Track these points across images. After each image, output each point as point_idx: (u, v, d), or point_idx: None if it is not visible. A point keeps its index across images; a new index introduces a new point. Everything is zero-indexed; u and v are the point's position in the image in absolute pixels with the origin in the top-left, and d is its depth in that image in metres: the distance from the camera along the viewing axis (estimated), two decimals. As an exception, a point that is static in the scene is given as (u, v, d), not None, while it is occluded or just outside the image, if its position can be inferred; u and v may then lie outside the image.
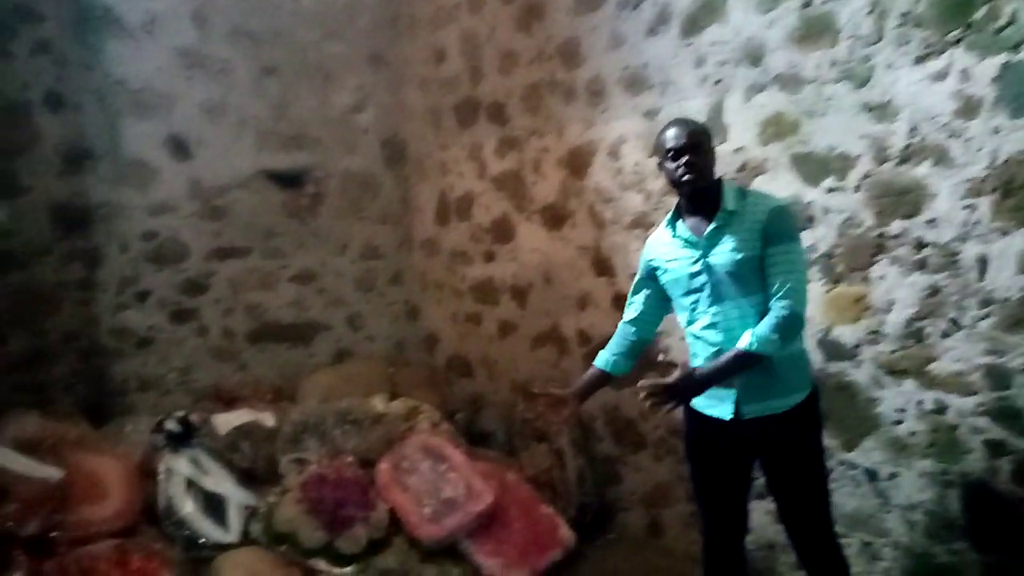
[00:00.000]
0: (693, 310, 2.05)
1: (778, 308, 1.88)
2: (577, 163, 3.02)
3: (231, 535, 2.60)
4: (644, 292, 2.20)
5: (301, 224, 3.71)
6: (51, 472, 2.43)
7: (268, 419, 3.09)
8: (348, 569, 2.53)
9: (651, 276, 2.16)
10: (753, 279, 1.95)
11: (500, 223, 3.44)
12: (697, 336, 2.05)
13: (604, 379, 2.23)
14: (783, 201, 2.05)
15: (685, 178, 1.95)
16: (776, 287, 1.90)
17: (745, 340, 1.87)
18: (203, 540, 2.55)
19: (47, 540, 2.26)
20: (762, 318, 1.90)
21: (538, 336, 3.27)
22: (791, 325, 1.88)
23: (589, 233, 3.02)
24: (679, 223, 2.06)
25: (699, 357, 2.06)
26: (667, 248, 2.08)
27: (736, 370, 1.91)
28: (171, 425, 2.81)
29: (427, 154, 3.89)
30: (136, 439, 2.83)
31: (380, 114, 3.91)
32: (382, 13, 3.88)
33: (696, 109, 2.49)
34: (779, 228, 1.93)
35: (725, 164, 2.35)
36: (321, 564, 2.53)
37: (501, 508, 2.79)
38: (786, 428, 1.96)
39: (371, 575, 2.54)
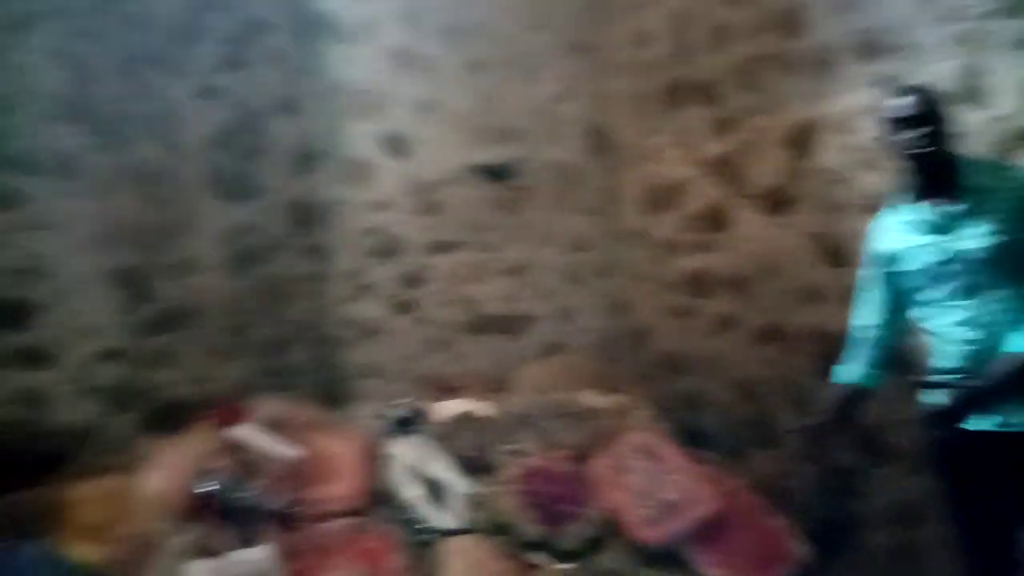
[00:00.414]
0: (939, 305, 1.82)
1: None
2: (801, 141, 2.81)
3: (453, 521, 2.66)
4: (880, 288, 1.98)
5: (510, 217, 3.76)
6: (292, 451, 2.61)
7: (485, 409, 3.15)
8: (568, 566, 2.51)
9: (885, 268, 1.94)
10: (1017, 266, 1.70)
11: (713, 210, 3.29)
12: (945, 335, 1.82)
13: (857, 396, 2.04)
14: None
15: (921, 150, 1.74)
16: None
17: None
18: (426, 524, 2.63)
19: (290, 515, 2.43)
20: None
21: (761, 332, 3.09)
22: None
23: (817, 218, 2.80)
24: (914, 205, 1.83)
25: (948, 359, 1.82)
26: (901, 235, 1.87)
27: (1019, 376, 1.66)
28: (395, 412, 2.94)
29: (633, 141, 3.81)
30: (364, 424, 2.98)
31: (584, 103, 3.88)
32: (583, 0, 3.84)
33: (946, 73, 2.21)
34: None
35: (982, 135, 2.07)
36: (540, 558, 2.52)
37: (726, 516, 2.64)
38: None
39: (591, 574, 2.49)
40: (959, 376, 1.80)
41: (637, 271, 3.88)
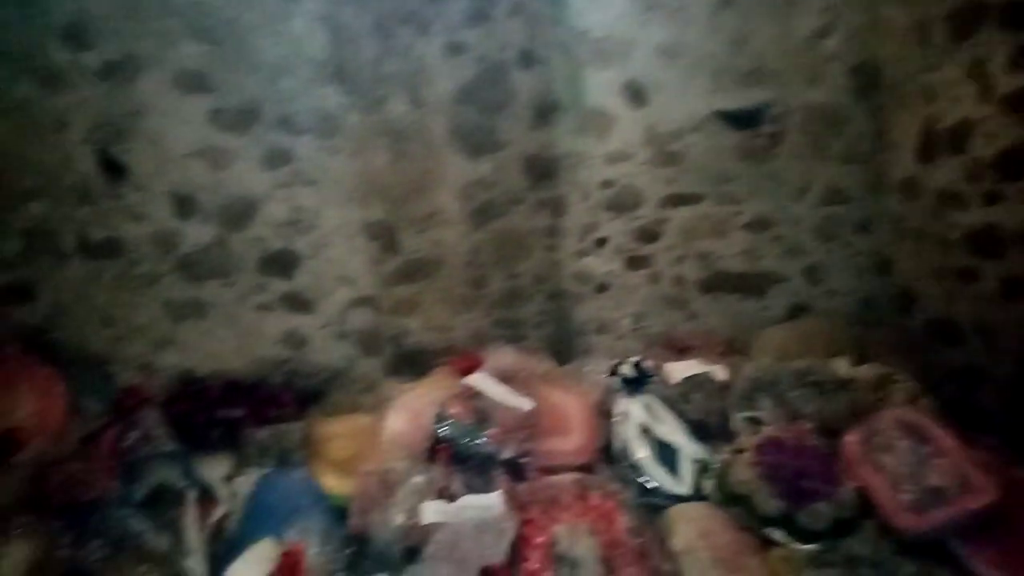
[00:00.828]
0: None
1: None
2: None
3: (683, 487, 2.58)
4: None
5: (756, 167, 3.50)
6: (525, 402, 2.67)
7: (719, 372, 3.01)
8: (810, 547, 2.33)
9: None
10: None
11: (1010, 156, 2.81)
12: None
13: None
14: None
15: None
16: None
17: None
18: (656, 488, 2.58)
19: (520, 465, 2.49)
20: None
21: (1064, 299, 2.63)
22: None
23: None
24: None
25: None
26: None
27: None
28: (626, 369, 2.90)
29: (908, 78, 3.35)
30: (594, 380, 2.98)
31: (850, 37, 3.47)
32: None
33: None
34: None
35: None
36: (778, 535, 2.37)
37: (1007, 510, 2.30)
38: None
39: (837, 558, 2.29)
40: None
41: (905, 226, 3.45)
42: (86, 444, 2.67)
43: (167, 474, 2.49)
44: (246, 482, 2.61)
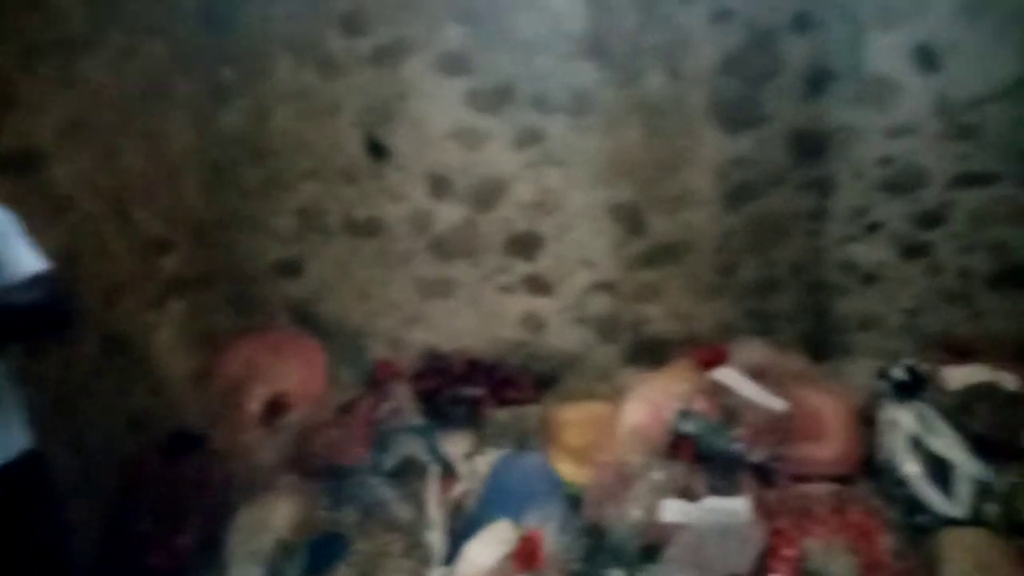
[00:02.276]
0: None
1: None
2: None
3: (958, 509, 2.41)
4: None
5: (1071, 142, 3.11)
6: (777, 402, 2.62)
7: (1009, 381, 2.76)
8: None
9: None
10: None
11: None
12: None
13: None
14: None
15: None
16: None
17: None
18: (926, 507, 2.43)
19: (770, 470, 2.46)
20: None
21: None
22: None
23: None
24: None
25: None
26: None
27: None
28: (898, 373, 2.75)
29: None
30: (856, 382, 2.85)
31: None
32: None
33: None
34: None
35: None
36: (1076, 576, 2.15)
37: None
38: None
39: None
40: None
41: None
42: (343, 413, 3.03)
43: (414, 447, 2.75)
44: (485, 461, 2.83)
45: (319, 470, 2.77)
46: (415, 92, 3.37)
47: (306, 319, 3.62)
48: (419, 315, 3.60)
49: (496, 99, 3.33)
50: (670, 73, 3.23)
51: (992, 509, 2.37)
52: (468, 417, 3.14)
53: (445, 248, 3.51)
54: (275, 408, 3.08)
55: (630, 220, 3.38)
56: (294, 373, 3.25)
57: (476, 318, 3.56)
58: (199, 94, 3.37)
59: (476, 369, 3.39)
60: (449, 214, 3.47)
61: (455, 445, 2.97)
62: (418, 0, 3.28)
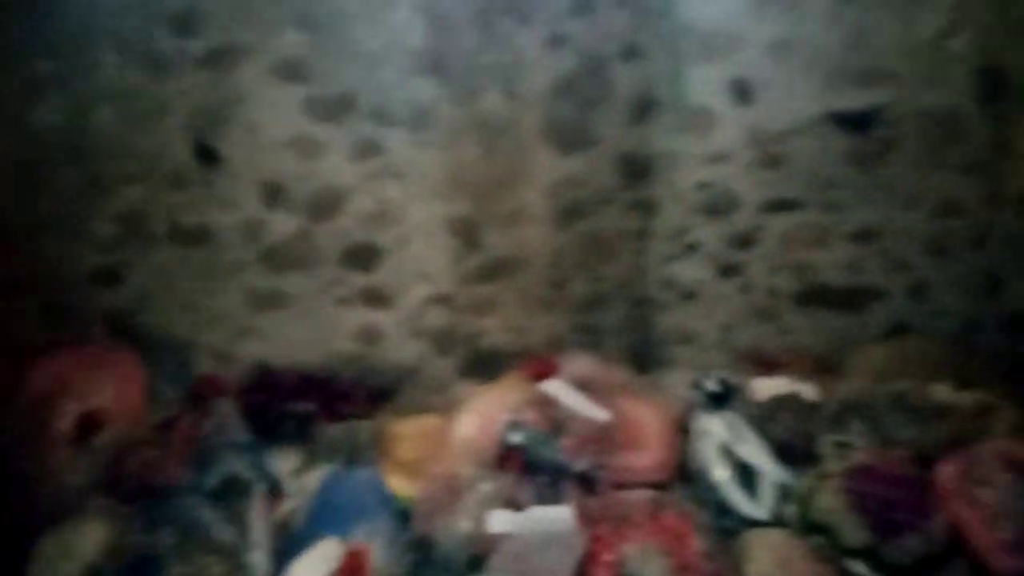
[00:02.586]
0: None
1: None
2: None
3: (762, 512, 2.57)
4: None
5: (865, 174, 3.41)
6: (601, 413, 2.70)
7: (809, 392, 2.98)
8: (895, 583, 2.30)
9: None
10: None
11: None
12: None
13: None
14: None
15: None
16: None
17: None
18: (733, 511, 2.58)
19: (592, 478, 2.53)
20: None
21: None
22: None
23: None
24: None
25: None
26: None
27: None
28: (710, 384, 2.89)
29: (1040, 84, 3.20)
30: (674, 393, 2.98)
31: (978, 37, 3.32)
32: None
33: None
34: None
35: None
36: (862, 568, 2.35)
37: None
38: None
39: (921, 597, 2.26)
40: None
41: (1020, 245, 3.30)
42: (161, 430, 2.85)
43: (237, 465, 2.64)
44: (314, 478, 2.75)
45: (134, 491, 2.60)
46: (250, 97, 3.24)
47: (125, 331, 3.38)
48: (249, 328, 3.46)
49: (335, 109, 3.26)
50: (507, 93, 3.29)
51: (791, 510, 2.55)
52: (298, 433, 3.03)
53: (278, 259, 3.39)
54: (87, 426, 2.87)
55: (467, 235, 3.39)
56: (109, 388, 3.03)
57: (310, 331, 3.46)
58: (10, 87, 3.12)
59: (309, 383, 3.28)
60: (283, 224, 3.35)
61: (283, 462, 2.87)
62: (255, 3, 3.17)
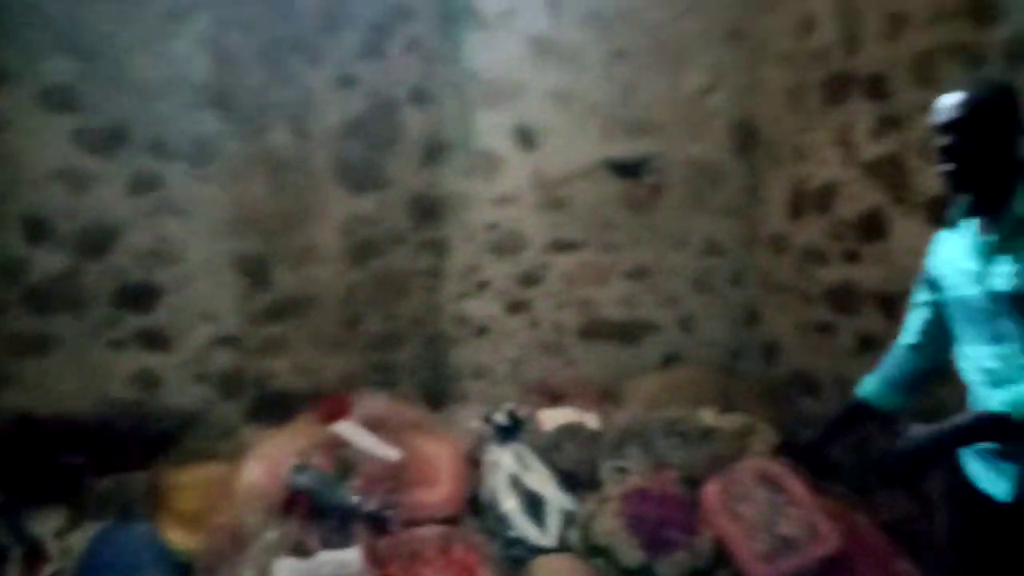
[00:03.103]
0: (971, 344, 1.65)
1: None
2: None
3: (548, 539, 2.60)
4: (925, 305, 1.83)
5: (639, 217, 3.64)
6: (392, 452, 2.64)
7: (592, 420, 3.07)
8: (667, 599, 2.39)
9: (933, 286, 1.78)
10: None
11: (869, 217, 3.01)
12: (973, 378, 1.66)
13: (865, 412, 1.93)
14: None
15: (942, 166, 1.57)
16: None
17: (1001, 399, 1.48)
18: (521, 540, 2.59)
19: (383, 518, 2.45)
20: None
21: (910, 357, 2.80)
22: None
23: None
24: (968, 221, 1.65)
25: (974, 404, 1.68)
26: (952, 254, 1.68)
27: (974, 437, 1.54)
28: (499, 417, 2.92)
29: (783, 138, 3.57)
30: (467, 427, 2.97)
31: (732, 95, 3.67)
32: (745, -17, 3.63)
33: None
34: None
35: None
36: (638, 587, 2.42)
37: (849, 557, 2.43)
38: None
39: (692, 609, 2.37)
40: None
41: (773, 281, 3.64)
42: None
43: (-9, 529, 2.33)
44: (82, 537, 2.47)
45: None
46: (12, 126, 2.95)
47: None
48: (9, 375, 3.09)
49: (108, 140, 3.04)
50: (296, 131, 3.20)
51: (574, 535, 2.60)
52: (64, 488, 2.71)
53: (43, 300, 3.07)
54: None
55: (255, 273, 3.24)
56: None
57: (79, 377, 3.14)
58: None
59: (77, 434, 2.95)
60: (49, 262, 3.05)
61: (46, 522, 2.56)
62: (18, 26, 2.90)
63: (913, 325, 1.90)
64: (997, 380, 1.59)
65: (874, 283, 3.00)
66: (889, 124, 2.90)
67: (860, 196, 3.06)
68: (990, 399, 1.60)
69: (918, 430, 1.56)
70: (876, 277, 2.98)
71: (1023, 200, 1.54)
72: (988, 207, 1.59)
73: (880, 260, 2.96)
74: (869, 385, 1.97)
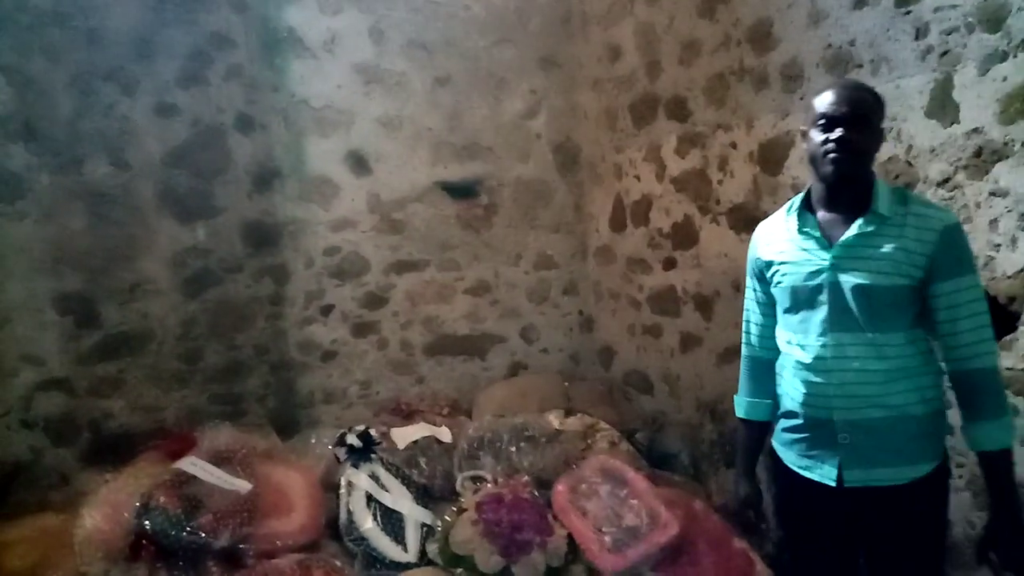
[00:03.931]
0: (798, 332, 1.70)
1: (986, 376, 1.56)
2: (771, 157, 2.75)
3: (409, 554, 2.56)
4: (758, 304, 1.87)
5: (475, 235, 3.69)
6: (242, 484, 2.50)
7: (445, 434, 3.07)
8: (528, 599, 2.42)
9: (762, 279, 1.82)
10: (892, 313, 1.58)
11: (682, 227, 3.22)
12: (794, 365, 1.70)
13: (755, 428, 1.93)
14: (956, 218, 1.67)
15: (833, 155, 1.58)
16: (965, 339, 1.55)
17: (987, 437, 1.57)
18: (383, 558, 2.53)
19: (237, 552, 2.32)
20: (886, 363, 1.57)
21: (726, 350, 3.02)
22: (1001, 392, 1.56)
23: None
24: (808, 215, 1.70)
25: (787, 391, 1.73)
26: (786, 244, 1.72)
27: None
28: (351, 439, 2.84)
29: (601, 157, 3.75)
30: (320, 452, 2.88)
31: (553, 119, 3.82)
32: (553, 13, 3.79)
33: (917, 87, 2.16)
34: (958, 255, 1.56)
35: (956, 150, 2.02)
36: (498, 592, 2.43)
37: (688, 540, 2.57)
38: (898, 508, 1.62)
39: (552, 607, 2.40)
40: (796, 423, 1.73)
41: (604, 289, 3.82)
42: None
43: None
44: None
45: None
46: None
47: None
48: None
49: (-103, 180, 2.70)
50: (114, 162, 2.99)
51: (434, 548, 2.57)
52: None
53: None
54: None
55: (80, 312, 2.97)
56: None
57: None
58: None
59: None
60: None
61: None
62: None
63: (753, 330, 1.90)
64: (825, 368, 1.63)
65: (691, 286, 3.20)
66: (691, 142, 3.12)
67: (672, 208, 3.27)
68: (806, 386, 1.67)
69: (1005, 514, 1.55)
70: (692, 281, 3.19)
71: (883, 200, 1.61)
72: (847, 203, 1.64)
73: (694, 265, 3.18)
74: (744, 406, 1.94)
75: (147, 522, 2.26)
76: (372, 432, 2.91)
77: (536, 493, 2.71)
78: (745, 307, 1.97)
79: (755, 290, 1.90)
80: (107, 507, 2.36)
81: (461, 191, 3.66)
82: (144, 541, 2.24)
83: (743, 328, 1.97)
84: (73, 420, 2.99)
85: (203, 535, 2.27)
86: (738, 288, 2.95)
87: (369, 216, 3.49)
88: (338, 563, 2.41)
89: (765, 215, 2.77)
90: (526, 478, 2.78)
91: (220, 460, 2.59)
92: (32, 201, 2.88)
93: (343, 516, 2.62)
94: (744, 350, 1.97)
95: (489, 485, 2.76)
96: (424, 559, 2.55)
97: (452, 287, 3.66)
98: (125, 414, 3.06)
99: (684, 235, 3.21)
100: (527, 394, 3.48)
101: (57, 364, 2.95)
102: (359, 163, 3.46)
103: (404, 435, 3.01)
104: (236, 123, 3.21)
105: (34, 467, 2.92)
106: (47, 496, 2.70)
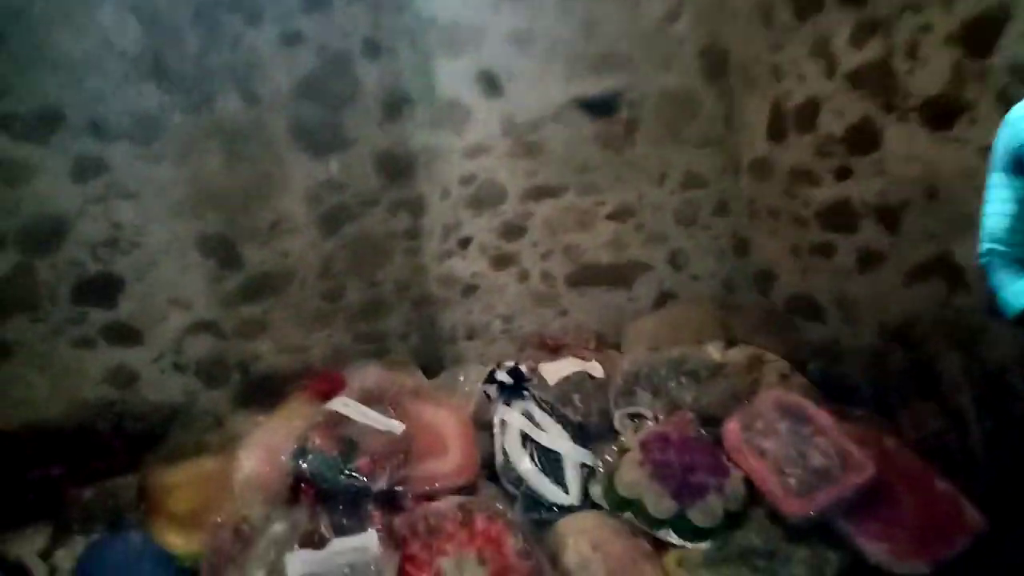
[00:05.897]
0: None
1: None
2: (978, 36, 2.31)
3: (571, 497, 2.42)
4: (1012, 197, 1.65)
5: (616, 155, 3.42)
6: (395, 425, 2.42)
7: (596, 369, 2.91)
8: (704, 544, 2.23)
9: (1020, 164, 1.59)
10: None
11: (859, 129, 2.84)
12: None
13: None
14: None
15: None
16: None
17: None
18: (543, 500, 2.40)
19: (395, 495, 2.24)
20: None
21: (916, 267, 2.66)
22: None
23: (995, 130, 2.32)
24: None
25: None
26: None
27: None
28: (501, 375, 2.72)
29: (755, 59, 3.36)
30: (468, 389, 2.78)
31: (697, 19, 3.44)
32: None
33: None
34: None
35: None
36: (672, 537, 2.26)
37: (885, 482, 2.29)
38: None
39: (731, 553, 2.21)
40: None
41: (761, 206, 3.47)
42: None
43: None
44: (70, 555, 2.22)
45: None
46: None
47: None
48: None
49: (41, 126, 2.70)
50: (244, 97, 2.91)
51: (598, 491, 2.42)
52: (44, 504, 2.46)
53: (-7, 303, 2.76)
54: None
55: (222, 253, 2.96)
56: None
57: (47, 381, 2.85)
58: None
59: (52, 443, 2.69)
60: (-8, 262, 2.74)
61: (27, 543, 2.31)
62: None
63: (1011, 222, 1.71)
64: None
65: (871, 196, 2.83)
66: (870, 29, 2.71)
67: (846, 109, 2.88)
68: None
69: None
70: (872, 190, 2.82)
71: None
72: None
73: (875, 172, 2.80)
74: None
75: (304, 465, 2.20)
76: (522, 368, 2.77)
77: (703, 431, 2.50)
78: (993, 210, 1.69)
79: (1015, 182, 1.68)
80: (263, 450, 2.34)
81: (599, 107, 3.38)
82: (303, 484, 2.19)
83: (987, 237, 1.72)
84: (223, 362, 3.02)
85: (362, 478, 2.19)
86: (932, 196, 2.57)
87: (503, 140, 3.29)
88: (499, 506, 2.29)
89: (971, 106, 2.40)
90: (690, 415, 2.57)
91: (370, 400, 2.51)
92: (167, 142, 2.85)
93: (499, 457, 2.50)
94: (997, 260, 1.72)
95: (650, 423, 2.58)
96: (587, 502, 2.41)
97: (593, 212, 3.43)
98: (272, 355, 3.06)
99: (862, 139, 2.83)
100: (679, 325, 3.26)
101: (204, 307, 2.97)
102: (490, 83, 3.24)
103: (554, 371, 2.87)
104: (363, 48, 3.06)
105: (190, 410, 2.97)
106: (203, 439, 2.72)
